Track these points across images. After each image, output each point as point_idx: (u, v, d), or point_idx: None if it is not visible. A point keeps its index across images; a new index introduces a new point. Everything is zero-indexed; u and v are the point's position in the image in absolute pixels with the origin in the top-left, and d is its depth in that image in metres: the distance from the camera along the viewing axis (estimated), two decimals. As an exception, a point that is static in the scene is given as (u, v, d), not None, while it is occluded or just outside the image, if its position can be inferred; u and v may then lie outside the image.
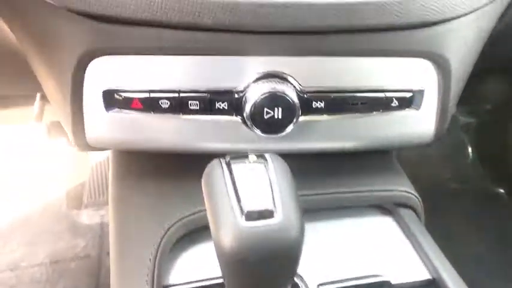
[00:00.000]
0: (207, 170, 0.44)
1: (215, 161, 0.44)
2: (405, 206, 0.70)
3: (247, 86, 0.55)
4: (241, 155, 0.44)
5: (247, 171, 0.41)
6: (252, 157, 0.43)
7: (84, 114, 0.57)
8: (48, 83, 0.60)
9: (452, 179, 1.75)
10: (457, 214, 1.57)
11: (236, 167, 0.42)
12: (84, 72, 0.54)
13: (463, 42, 0.59)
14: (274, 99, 0.54)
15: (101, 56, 0.53)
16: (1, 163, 1.90)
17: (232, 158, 0.43)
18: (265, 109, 0.54)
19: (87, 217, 1.69)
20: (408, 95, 0.60)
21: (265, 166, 0.42)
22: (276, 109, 0.54)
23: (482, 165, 1.82)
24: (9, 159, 1.93)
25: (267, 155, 0.44)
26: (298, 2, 0.49)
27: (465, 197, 1.68)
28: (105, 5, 0.49)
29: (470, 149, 1.85)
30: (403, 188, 0.70)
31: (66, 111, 0.58)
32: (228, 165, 0.42)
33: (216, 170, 0.42)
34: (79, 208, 1.73)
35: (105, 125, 0.58)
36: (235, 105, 0.56)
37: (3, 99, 1.11)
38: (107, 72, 0.55)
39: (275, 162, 0.43)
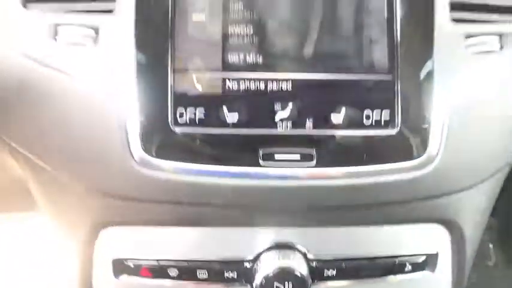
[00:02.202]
0: None
1: None
2: None
3: (258, 256, 0.55)
4: None
5: None
6: None
7: (93, 280, 0.57)
8: (57, 238, 0.61)
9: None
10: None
11: None
12: (95, 241, 0.55)
13: (476, 207, 0.58)
14: (284, 275, 0.53)
15: (112, 226, 0.54)
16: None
17: None
18: (276, 283, 0.53)
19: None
20: (421, 258, 0.58)
21: None
22: (286, 283, 0.53)
23: (507, 267, 1.73)
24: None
25: None
26: (313, 185, 0.50)
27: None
28: (119, 185, 0.51)
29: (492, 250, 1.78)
30: None
31: (73, 272, 0.58)
32: None
33: None
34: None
35: None
36: (244, 274, 0.55)
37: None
38: (117, 241, 0.55)
39: None
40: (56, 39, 0.49)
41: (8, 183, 0.75)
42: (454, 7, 0.52)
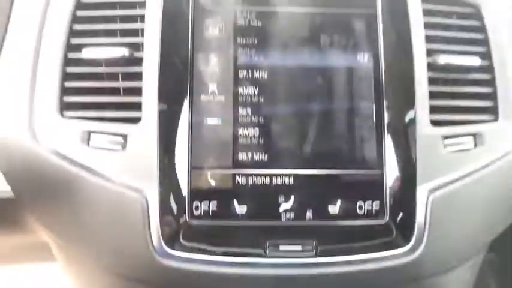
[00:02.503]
0: None
1: None
2: None
3: None
4: None
5: None
6: None
7: None
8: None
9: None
10: None
11: None
12: None
13: (462, 280, 0.65)
14: None
15: None
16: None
17: None
18: None
19: None
20: None
21: None
22: None
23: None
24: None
25: None
26: (312, 274, 0.57)
27: None
28: (135, 271, 0.57)
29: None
30: None
31: None
32: None
33: None
34: None
35: None
36: None
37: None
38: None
39: None
40: (88, 144, 0.57)
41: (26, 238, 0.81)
42: (433, 110, 0.60)
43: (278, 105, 0.59)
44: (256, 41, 0.60)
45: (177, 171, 0.56)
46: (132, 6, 0.61)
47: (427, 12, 0.63)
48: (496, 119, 0.63)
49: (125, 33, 0.61)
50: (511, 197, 0.63)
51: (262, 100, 0.59)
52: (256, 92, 0.59)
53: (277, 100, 0.59)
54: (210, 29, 0.60)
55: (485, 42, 0.65)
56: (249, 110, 0.59)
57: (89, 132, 0.57)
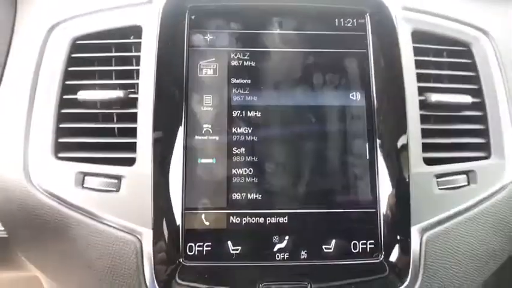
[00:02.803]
0: None
1: None
2: None
3: None
4: None
5: None
6: None
7: None
8: None
9: None
10: None
11: None
12: None
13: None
14: None
15: None
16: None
17: None
18: None
19: None
20: None
21: None
22: None
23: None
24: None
25: None
26: None
27: None
28: None
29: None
30: None
31: None
32: None
33: None
34: None
35: None
36: None
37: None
38: None
39: None
40: (82, 186, 0.57)
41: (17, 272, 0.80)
42: (425, 148, 0.61)
43: (272, 145, 0.60)
44: (249, 81, 0.61)
45: (171, 212, 0.56)
46: (128, 48, 0.62)
47: (418, 51, 0.64)
48: (488, 156, 0.64)
49: (120, 74, 0.62)
50: (505, 234, 0.63)
51: (256, 140, 0.59)
52: (250, 132, 0.59)
53: (271, 139, 0.60)
54: (204, 70, 0.61)
55: (476, 79, 0.66)
56: (242, 149, 0.59)
57: (84, 174, 0.57)
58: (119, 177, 0.57)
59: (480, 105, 0.65)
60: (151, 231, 0.55)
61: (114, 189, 0.56)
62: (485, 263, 0.62)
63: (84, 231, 0.56)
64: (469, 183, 0.62)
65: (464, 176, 0.61)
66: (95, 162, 0.58)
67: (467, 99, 0.63)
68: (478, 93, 0.65)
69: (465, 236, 0.61)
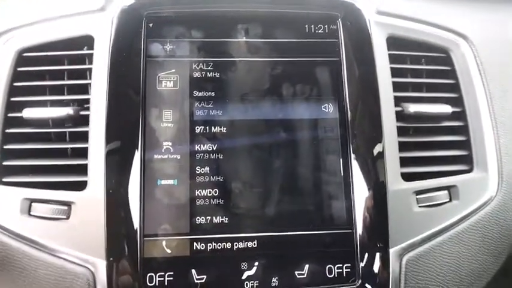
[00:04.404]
0: None
1: None
2: None
3: None
4: None
5: None
6: None
7: None
8: None
9: None
10: None
11: None
12: None
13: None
14: None
15: None
16: None
17: None
18: None
19: None
20: None
21: None
22: None
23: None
24: None
25: None
26: None
27: None
28: None
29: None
30: None
31: None
32: None
33: None
34: None
35: None
36: None
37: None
38: None
39: None
40: (29, 214, 0.51)
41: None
42: (403, 162, 0.57)
43: (238, 163, 0.55)
44: (213, 94, 0.56)
45: (128, 240, 0.51)
46: (81, 60, 0.57)
47: (393, 58, 0.60)
48: (470, 169, 0.60)
49: (73, 89, 0.56)
50: (490, 253, 0.59)
51: (221, 158, 0.55)
52: (214, 149, 0.55)
53: (238, 157, 0.55)
54: (163, 82, 0.56)
55: (456, 87, 0.62)
56: (206, 168, 0.54)
57: (30, 201, 0.52)
58: (68, 204, 0.51)
59: (461, 115, 0.61)
60: (105, 262, 0.50)
61: (64, 216, 0.51)
62: (468, 285, 0.58)
63: (30, 264, 0.51)
64: (450, 200, 0.58)
65: (446, 192, 0.58)
66: (42, 187, 0.52)
67: (447, 109, 0.60)
68: (458, 102, 0.62)
69: (448, 257, 0.57)
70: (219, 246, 0.53)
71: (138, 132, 0.53)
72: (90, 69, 0.56)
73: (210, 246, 0.53)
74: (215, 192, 0.54)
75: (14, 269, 0.51)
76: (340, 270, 0.54)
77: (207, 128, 0.55)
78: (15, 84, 0.55)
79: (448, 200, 0.57)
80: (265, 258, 0.53)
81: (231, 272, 0.53)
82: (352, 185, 0.55)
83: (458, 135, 0.61)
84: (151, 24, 0.57)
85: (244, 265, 0.53)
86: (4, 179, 0.53)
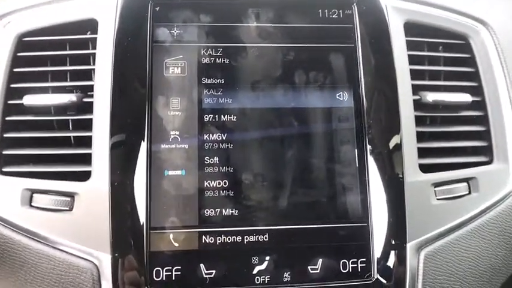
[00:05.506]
0: None
1: None
2: None
3: None
4: None
5: None
6: None
7: None
8: None
9: None
10: None
11: None
12: None
13: None
14: None
15: None
16: None
17: None
18: None
19: None
20: None
21: None
22: None
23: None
24: None
25: None
26: None
27: None
28: None
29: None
30: None
31: None
32: None
33: None
34: None
35: None
36: None
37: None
38: None
39: None
40: (30, 205, 0.49)
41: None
42: (421, 153, 0.54)
43: (249, 153, 0.53)
44: (223, 81, 0.54)
45: (134, 233, 0.49)
46: (84, 45, 0.54)
47: (411, 45, 0.57)
48: (490, 161, 0.57)
49: (76, 75, 0.54)
50: (510, 247, 0.57)
51: (230, 147, 0.52)
52: (223, 139, 0.52)
53: (248, 147, 0.53)
54: (170, 69, 0.53)
55: (475, 75, 0.59)
56: (216, 159, 0.52)
57: (31, 191, 0.49)
58: (72, 195, 0.49)
59: (480, 105, 0.59)
60: (110, 256, 0.48)
61: (67, 208, 0.49)
62: (488, 281, 0.56)
63: (32, 257, 0.49)
64: (470, 192, 0.55)
65: (465, 184, 0.55)
66: (44, 178, 0.50)
67: (467, 98, 0.57)
68: (477, 91, 0.59)
69: (467, 251, 0.54)
70: (229, 239, 0.51)
71: (145, 120, 0.51)
72: (93, 55, 0.53)
73: (219, 239, 0.51)
74: (224, 183, 0.52)
75: (15, 263, 0.49)
76: (355, 265, 0.52)
77: (216, 116, 0.53)
78: (16, 70, 0.53)
79: (467, 192, 0.55)
80: (276, 253, 0.51)
81: (241, 267, 0.51)
82: (368, 176, 0.53)
83: (477, 126, 0.58)
84: (157, 8, 0.54)
85: (255, 259, 0.51)
86: (4, 169, 0.51)
